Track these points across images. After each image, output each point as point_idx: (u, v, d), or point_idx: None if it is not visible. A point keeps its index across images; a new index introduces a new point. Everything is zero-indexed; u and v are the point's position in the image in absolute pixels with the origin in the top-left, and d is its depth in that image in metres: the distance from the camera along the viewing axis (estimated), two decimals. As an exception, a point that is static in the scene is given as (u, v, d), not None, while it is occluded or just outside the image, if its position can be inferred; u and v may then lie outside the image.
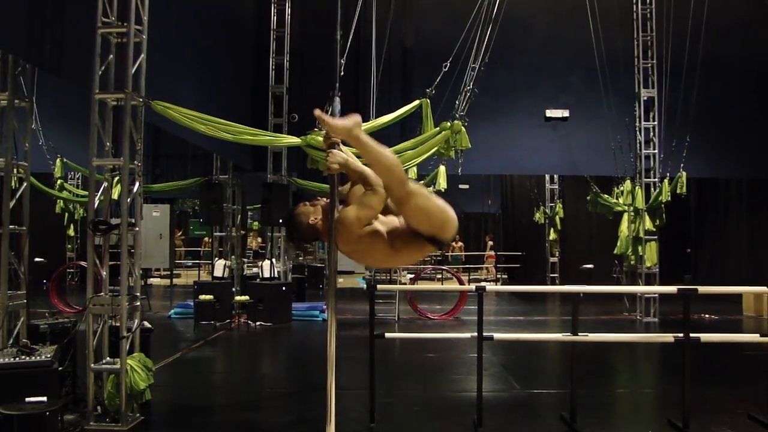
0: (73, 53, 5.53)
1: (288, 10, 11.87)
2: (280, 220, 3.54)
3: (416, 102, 7.62)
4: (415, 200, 3.05)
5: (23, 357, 4.54)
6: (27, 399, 4.19)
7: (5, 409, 4.05)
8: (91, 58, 5.36)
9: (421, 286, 16.19)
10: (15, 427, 4.01)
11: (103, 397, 5.20)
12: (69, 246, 17.30)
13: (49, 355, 4.59)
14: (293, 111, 11.50)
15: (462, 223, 26.77)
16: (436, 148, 7.39)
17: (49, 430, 4.15)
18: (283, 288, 11.18)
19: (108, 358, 5.35)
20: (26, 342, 4.95)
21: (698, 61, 10.97)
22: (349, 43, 8.55)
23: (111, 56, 5.46)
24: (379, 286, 5.21)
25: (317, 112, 3.01)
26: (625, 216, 11.87)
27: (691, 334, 5.01)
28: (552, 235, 18.30)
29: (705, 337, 5.19)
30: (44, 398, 4.23)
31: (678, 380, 5.15)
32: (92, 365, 5.22)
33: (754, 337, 5.66)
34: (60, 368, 4.79)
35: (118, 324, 5.31)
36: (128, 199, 5.42)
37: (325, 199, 3.32)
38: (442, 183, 9.59)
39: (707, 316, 11.57)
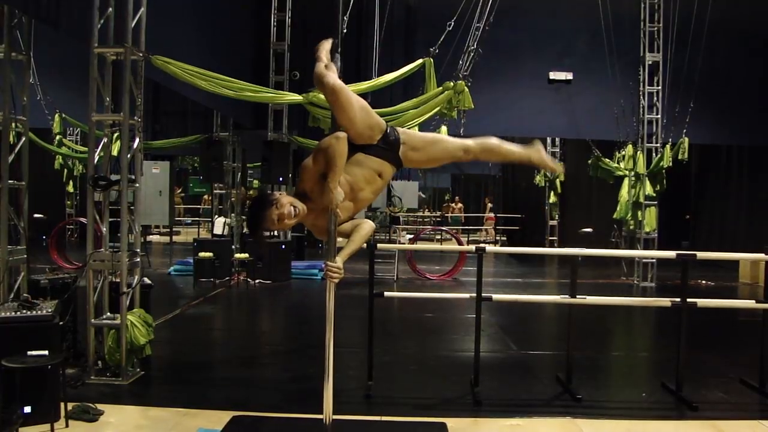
0: (72, 5, 5.43)
1: (290, -34, 11.64)
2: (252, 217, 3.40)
3: (419, 61, 7.53)
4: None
5: (24, 311, 4.56)
6: (29, 352, 4.22)
7: (8, 361, 4.09)
8: (89, 11, 5.27)
9: (421, 246, 16.24)
10: (18, 380, 4.05)
11: (104, 352, 5.25)
12: (68, 202, 17.32)
13: (50, 310, 4.62)
14: (295, 69, 11.36)
15: (462, 185, 26.77)
16: (438, 108, 7.33)
17: (51, 383, 4.19)
18: (283, 246, 11.22)
19: (108, 314, 5.38)
20: (27, 297, 4.97)
21: (705, 27, 10.81)
22: (352, 1, 8.42)
23: (110, 9, 5.37)
24: (378, 246, 5.21)
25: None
26: (626, 181, 11.86)
27: (688, 299, 5.04)
28: (552, 199, 18.30)
29: (702, 302, 5.22)
30: (46, 352, 4.27)
31: (673, 344, 5.20)
32: (93, 320, 5.26)
33: (749, 303, 5.68)
34: (61, 323, 4.82)
35: (118, 280, 5.33)
36: (128, 155, 5.39)
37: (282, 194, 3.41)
38: (444, 144, 9.53)
39: (704, 282, 11.64)
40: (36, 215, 12.30)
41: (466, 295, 5.50)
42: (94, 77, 5.31)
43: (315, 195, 3.29)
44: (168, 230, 17.46)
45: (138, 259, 5.53)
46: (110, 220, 5.52)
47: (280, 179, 10.88)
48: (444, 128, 9.49)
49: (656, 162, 11.23)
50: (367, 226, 3.48)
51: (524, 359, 6.43)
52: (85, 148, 7.80)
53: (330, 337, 3.40)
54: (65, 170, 15.68)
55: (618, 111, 11.29)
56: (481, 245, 5.21)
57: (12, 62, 5.40)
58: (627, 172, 11.80)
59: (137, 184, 5.57)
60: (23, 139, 5.66)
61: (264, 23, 11.55)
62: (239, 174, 12.55)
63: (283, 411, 4.63)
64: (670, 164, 11.12)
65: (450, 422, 4.40)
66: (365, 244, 3.81)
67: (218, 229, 11.58)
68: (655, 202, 11.54)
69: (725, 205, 14.88)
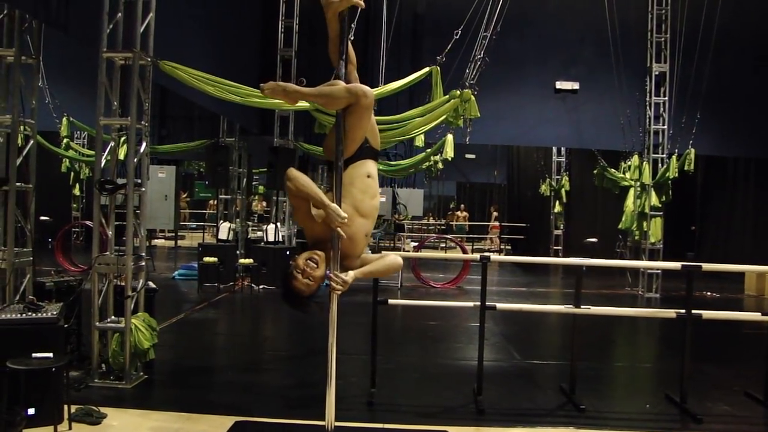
0: (81, 10, 5.46)
1: (298, -27, 11.68)
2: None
3: (426, 69, 7.53)
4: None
5: (29, 313, 4.57)
6: (33, 354, 4.24)
7: (13, 363, 4.10)
8: (99, 16, 5.31)
9: (425, 254, 16.22)
10: (22, 382, 4.06)
11: (108, 355, 5.26)
12: (74, 205, 17.39)
13: (54, 313, 4.63)
14: (302, 75, 11.31)
15: (467, 193, 26.74)
16: (444, 117, 7.33)
17: (55, 385, 4.21)
18: (287, 252, 11.21)
19: (113, 317, 5.40)
20: (32, 299, 4.98)
21: (712, 38, 10.81)
22: (359, 8, 8.43)
23: (119, 14, 5.41)
24: (383, 253, 5.21)
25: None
26: (631, 191, 11.84)
27: (693, 311, 5.03)
28: (557, 208, 18.27)
29: (706, 314, 5.20)
30: (50, 354, 4.28)
31: (677, 356, 5.18)
32: (97, 323, 5.27)
33: (755, 316, 5.67)
34: (65, 325, 4.83)
35: (123, 283, 5.35)
36: (135, 160, 5.42)
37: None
38: (450, 152, 9.55)
39: (709, 293, 11.59)
40: (42, 218, 12.33)
41: (470, 304, 5.48)
42: (102, 81, 5.34)
43: (322, 232, 3.34)
44: (173, 234, 17.50)
45: (143, 263, 5.55)
46: (116, 223, 5.54)
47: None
48: (449, 137, 9.50)
49: (662, 173, 11.22)
50: (393, 257, 3.57)
51: (528, 369, 6.42)
52: (92, 152, 7.84)
53: (332, 343, 3.40)
54: (72, 173, 15.76)
55: (624, 121, 11.29)
56: (486, 254, 5.20)
57: (21, 66, 5.43)
58: (632, 183, 11.78)
59: (143, 188, 5.58)
60: (31, 142, 5.68)
61: (271, 29, 11.58)
62: (245, 179, 12.58)
63: (285, 417, 4.63)
64: (676, 175, 11.11)
65: (452, 431, 4.39)
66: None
67: (223, 234, 11.60)
68: (661, 213, 11.51)
69: (731, 216, 14.83)
